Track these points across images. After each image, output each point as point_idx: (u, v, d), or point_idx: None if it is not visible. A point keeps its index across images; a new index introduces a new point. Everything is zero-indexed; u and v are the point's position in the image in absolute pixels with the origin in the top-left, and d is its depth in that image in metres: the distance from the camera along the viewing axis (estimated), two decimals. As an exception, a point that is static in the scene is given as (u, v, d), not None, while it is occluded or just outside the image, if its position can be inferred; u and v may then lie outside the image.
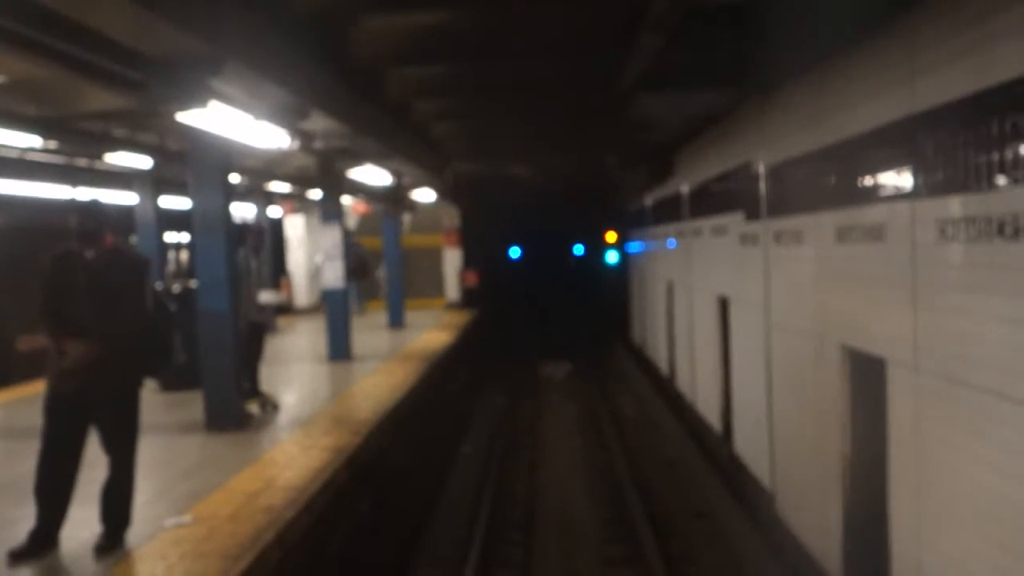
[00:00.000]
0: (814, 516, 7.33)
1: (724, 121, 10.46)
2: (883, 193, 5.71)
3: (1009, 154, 4.17)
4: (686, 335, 14.15)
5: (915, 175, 5.21)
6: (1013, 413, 4.19)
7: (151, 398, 9.24)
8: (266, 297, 10.86)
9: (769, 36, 6.97)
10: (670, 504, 10.79)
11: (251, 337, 9.05)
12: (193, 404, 8.77)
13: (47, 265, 5.20)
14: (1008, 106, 4.16)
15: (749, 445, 9.81)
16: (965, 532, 4.70)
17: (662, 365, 17.16)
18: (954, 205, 4.72)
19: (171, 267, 20.04)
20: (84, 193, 13.41)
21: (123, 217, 14.46)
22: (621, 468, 12.31)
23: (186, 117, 6.23)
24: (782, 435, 8.37)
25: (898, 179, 5.46)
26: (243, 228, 9.32)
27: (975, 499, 4.58)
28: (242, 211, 18.22)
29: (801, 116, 7.55)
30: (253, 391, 9.03)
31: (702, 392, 12.82)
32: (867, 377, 6.17)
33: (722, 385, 11.28)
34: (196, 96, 5.91)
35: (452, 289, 23.58)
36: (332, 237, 13.35)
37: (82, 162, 12.48)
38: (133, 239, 14.75)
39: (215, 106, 6.08)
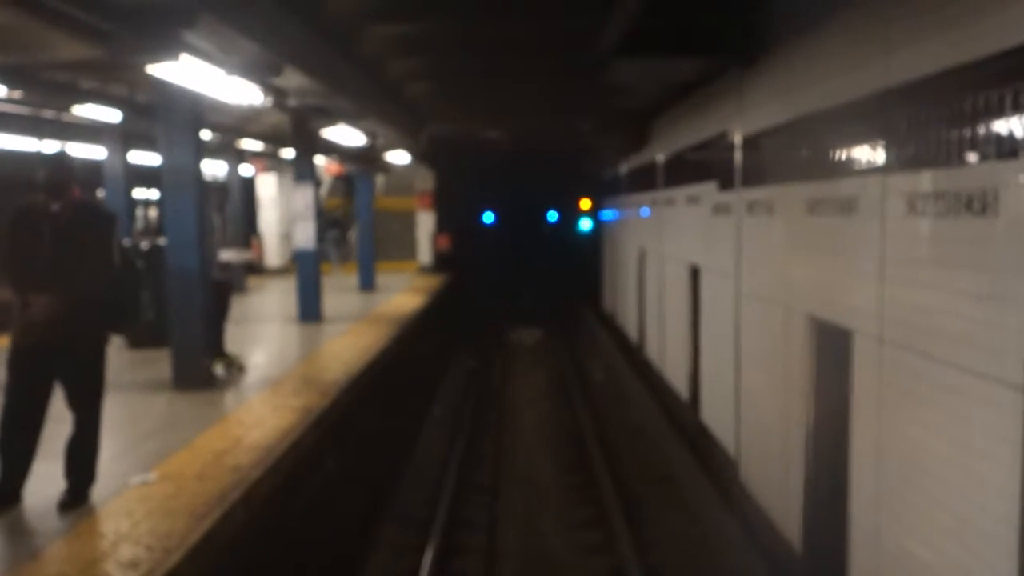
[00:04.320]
0: (776, 483, 7.46)
1: (702, 90, 10.44)
2: (855, 166, 5.74)
3: (980, 131, 4.20)
4: (656, 303, 14.23)
5: (887, 149, 5.24)
6: (972, 385, 4.27)
7: (118, 355, 9.17)
8: (227, 256, 10.75)
9: (749, 5, 6.96)
10: (635, 469, 10.92)
11: (215, 296, 8.93)
12: (160, 362, 8.71)
13: (11, 217, 5.10)
14: (980, 83, 4.19)
15: (716, 413, 9.93)
16: (922, 500, 4.81)
17: (631, 333, 17.27)
18: (924, 180, 4.76)
19: (139, 224, 19.80)
20: (51, 146, 13.15)
21: (91, 171, 14.24)
22: (588, 433, 12.43)
23: (157, 70, 6.12)
24: (748, 403, 8.48)
25: (870, 153, 5.50)
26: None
27: (933, 468, 4.68)
28: (213, 168, 17.98)
29: (778, 87, 7.55)
30: (218, 351, 8.93)
31: (671, 360, 12.93)
32: (833, 348, 6.25)
33: (691, 354, 11.38)
34: (167, 48, 5.80)
35: (425, 253, 23.51)
36: (304, 197, 13.22)
37: (49, 114, 12.21)
38: (101, 194, 14.53)
39: (187, 59, 5.97)
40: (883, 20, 5.34)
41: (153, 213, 22.42)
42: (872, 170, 5.45)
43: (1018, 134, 3.89)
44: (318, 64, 8.51)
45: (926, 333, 4.75)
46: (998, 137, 4.05)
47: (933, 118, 4.65)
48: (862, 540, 5.63)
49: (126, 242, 10.26)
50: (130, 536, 4.62)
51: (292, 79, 8.33)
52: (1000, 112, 4.02)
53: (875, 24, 5.46)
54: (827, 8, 6.16)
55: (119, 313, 5.48)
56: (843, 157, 5.95)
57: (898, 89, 5.09)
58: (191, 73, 6.34)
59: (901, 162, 5.05)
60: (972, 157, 4.27)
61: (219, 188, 9.74)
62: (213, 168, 17.79)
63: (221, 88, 7.10)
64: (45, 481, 5.23)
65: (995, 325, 4.06)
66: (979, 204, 4.19)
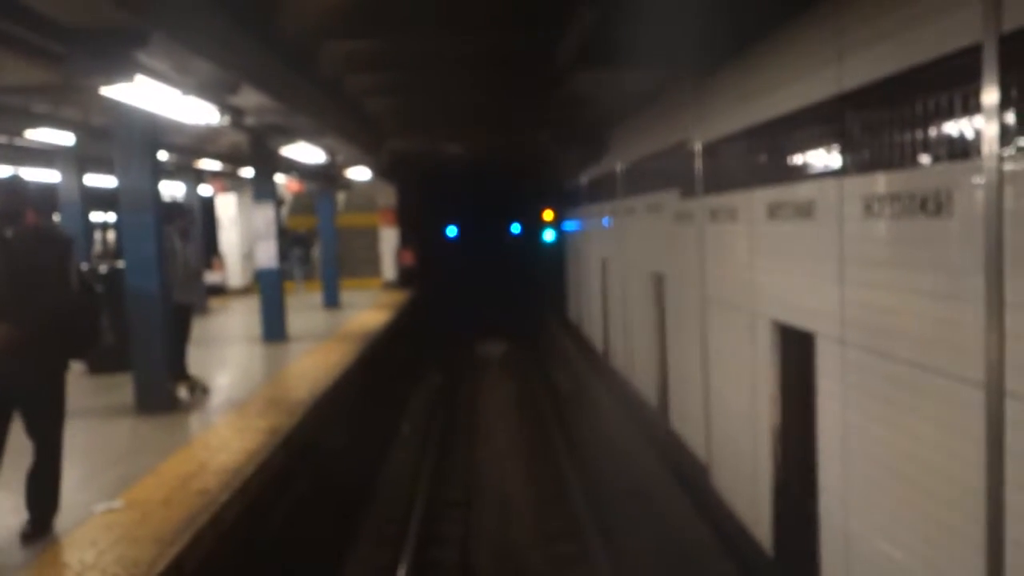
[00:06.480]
0: (745, 486, 7.51)
1: (661, 99, 10.53)
2: (812, 171, 5.83)
3: (931, 133, 4.29)
4: (621, 312, 14.29)
5: (842, 153, 5.32)
6: (935, 384, 4.33)
7: (78, 381, 9.00)
8: (212, 277, 10.67)
9: (705, 14, 7.02)
10: (606, 479, 10.93)
11: (177, 319, 8.82)
12: (122, 387, 8.58)
13: (-37, 245, 4.99)
14: (929, 86, 4.27)
15: (685, 419, 9.98)
16: (890, 500, 4.86)
17: (597, 342, 17.32)
18: (879, 182, 4.84)
19: (97, 247, 19.51)
20: (4, 170, 12.91)
21: (46, 195, 14.00)
22: (558, 444, 12.44)
23: (111, 92, 6.04)
24: (717, 409, 8.54)
25: (826, 157, 5.58)
26: (170, 208, 9.08)
27: (899, 467, 4.74)
28: (171, 190, 17.77)
29: (736, 94, 7.64)
30: (181, 374, 8.81)
31: (638, 368, 12.98)
32: (797, 351, 6.32)
33: (658, 361, 11.43)
34: (121, 70, 5.72)
35: (389, 268, 23.41)
36: (265, 216, 13.12)
37: (1, 139, 12.01)
38: (57, 218, 14.30)
39: (141, 80, 5.90)
40: (836, 26, 5.43)
41: (111, 236, 22.12)
42: (828, 173, 5.53)
43: (969, 135, 3.97)
44: (275, 82, 8.47)
45: (887, 334, 4.82)
46: (950, 139, 4.13)
47: (886, 122, 4.74)
48: (832, 541, 5.68)
49: (84, 266, 10.11)
50: (96, 565, 4.53)
51: (249, 97, 8.27)
52: (951, 114, 4.11)
53: (828, 30, 5.55)
54: (782, 13, 6.25)
55: (78, 338, 5.38)
56: (800, 162, 6.03)
57: (851, 94, 5.18)
58: (146, 94, 6.27)
59: (856, 165, 5.13)
60: (925, 159, 4.36)
61: (185, 212, 9.61)
62: (171, 189, 17.59)
63: (177, 108, 7.03)
64: (7, 513, 5.12)
65: (954, 324, 4.13)
66: (934, 205, 4.27)
